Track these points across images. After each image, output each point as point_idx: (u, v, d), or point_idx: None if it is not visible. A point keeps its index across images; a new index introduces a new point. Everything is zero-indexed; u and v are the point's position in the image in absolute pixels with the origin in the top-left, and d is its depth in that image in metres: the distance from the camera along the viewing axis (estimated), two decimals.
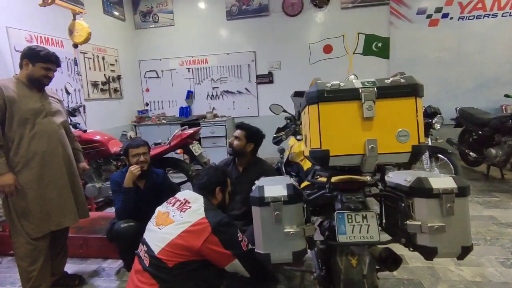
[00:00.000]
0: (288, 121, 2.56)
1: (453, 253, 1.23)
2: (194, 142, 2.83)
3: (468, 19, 4.95)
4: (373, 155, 1.08)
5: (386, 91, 1.09)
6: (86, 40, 3.45)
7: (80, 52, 4.37)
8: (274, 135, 2.44)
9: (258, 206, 1.29)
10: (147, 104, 6.09)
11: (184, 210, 1.55)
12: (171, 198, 1.69)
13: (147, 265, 1.48)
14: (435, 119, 3.42)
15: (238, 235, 1.56)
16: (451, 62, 5.04)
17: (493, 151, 3.71)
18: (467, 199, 1.22)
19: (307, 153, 1.29)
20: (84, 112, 4.27)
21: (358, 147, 1.10)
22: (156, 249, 1.47)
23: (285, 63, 5.51)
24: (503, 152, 3.63)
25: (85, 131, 2.94)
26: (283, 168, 2.61)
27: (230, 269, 1.54)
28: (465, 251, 1.22)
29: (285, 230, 1.26)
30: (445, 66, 5.05)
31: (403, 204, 1.27)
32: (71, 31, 3.43)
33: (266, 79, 5.60)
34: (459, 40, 5.00)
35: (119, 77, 5.28)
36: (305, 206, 1.34)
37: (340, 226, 1.31)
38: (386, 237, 1.38)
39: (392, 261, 1.47)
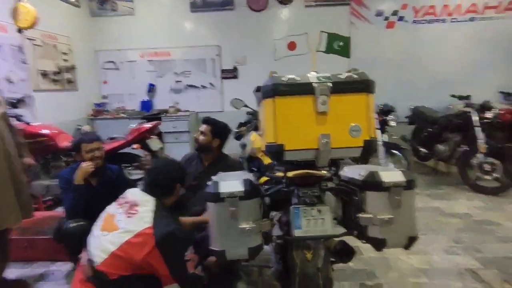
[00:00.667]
0: (250, 116, 2.55)
1: (400, 243, 1.29)
2: (152, 137, 2.72)
3: (421, 23, 5.26)
4: (326, 149, 1.10)
5: (340, 86, 1.11)
6: (33, 25, 3.17)
7: (27, 39, 4.00)
8: (236, 130, 2.41)
9: (213, 202, 1.26)
10: (105, 97, 5.77)
11: (130, 215, 1.41)
12: (121, 196, 1.55)
13: (90, 275, 1.35)
14: (390, 116, 3.60)
15: (186, 254, 1.45)
16: (406, 63, 5.34)
17: (440, 147, 3.99)
18: (413, 192, 1.29)
19: (263, 148, 1.28)
20: (33, 104, 3.93)
21: (312, 141, 1.11)
22: (99, 260, 1.34)
23: (250, 59, 5.48)
24: (449, 148, 3.92)
25: (28, 123, 2.68)
26: (245, 163, 2.61)
27: None
28: (411, 241, 1.29)
29: (241, 226, 1.24)
30: (400, 67, 5.33)
31: (356, 198, 1.32)
32: (15, 15, 3.12)
33: (231, 74, 5.54)
34: (413, 43, 5.31)
35: (73, 67, 4.93)
36: (261, 201, 1.33)
37: (296, 221, 1.32)
38: (342, 230, 1.42)
39: (346, 253, 1.52)
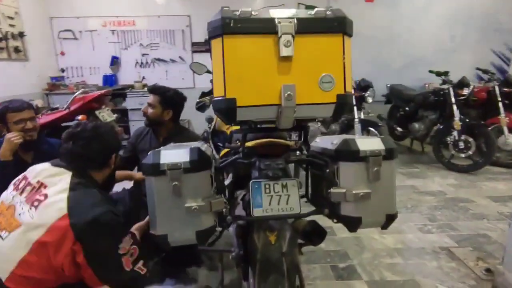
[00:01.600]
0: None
1: (377, 222, 1.11)
2: (102, 107, 2.38)
3: None
4: (290, 105, 0.86)
5: (309, 25, 0.87)
6: None
7: None
8: (198, 100, 2.13)
9: (152, 176, 1.00)
10: (62, 70, 5.23)
11: (35, 203, 1.01)
12: (19, 177, 1.14)
13: None
14: (368, 92, 3.43)
15: (120, 246, 1.04)
16: (384, 41, 5.18)
17: (416, 125, 3.91)
18: (393, 162, 1.09)
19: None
20: None
21: (272, 95, 0.88)
22: (3, 274, 0.96)
23: None
24: (424, 127, 3.85)
25: None
26: (210, 138, 2.34)
27: None
28: (390, 219, 1.11)
29: (186, 205, 1.00)
30: (378, 44, 5.16)
31: (328, 170, 1.11)
32: None
33: (203, 47, 5.16)
34: (391, 19, 5.14)
35: (21, 34, 4.37)
36: (215, 175, 1.10)
37: (256, 198, 1.10)
38: (311, 209, 1.21)
39: (317, 235, 1.32)
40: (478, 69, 4.02)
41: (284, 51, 0.84)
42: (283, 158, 1.16)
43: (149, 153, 1.05)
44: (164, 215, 1.01)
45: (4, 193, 1.14)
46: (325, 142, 1.21)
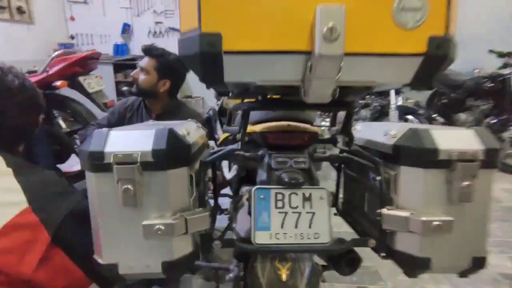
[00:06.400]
0: None
1: (456, 267, 0.70)
2: (90, 73, 2.00)
3: None
4: (332, 51, 0.43)
5: None
6: None
7: None
8: None
9: (92, 172, 0.62)
10: (72, 37, 4.92)
11: None
12: None
13: None
14: None
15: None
16: None
17: (463, 116, 3.35)
18: (494, 172, 0.66)
19: None
20: None
21: (295, 32, 0.45)
22: None
23: None
24: (473, 118, 3.28)
25: None
26: (217, 117, 1.95)
27: None
28: (477, 264, 0.69)
29: (145, 223, 0.61)
30: None
31: (378, 177, 0.69)
32: None
33: None
34: None
35: None
36: (195, 174, 0.70)
37: (261, 215, 0.70)
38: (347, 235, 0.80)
39: (349, 262, 0.92)
40: None
41: None
42: (307, 153, 0.74)
43: (90, 132, 0.66)
44: (111, 234, 0.63)
45: None
46: (372, 131, 0.79)
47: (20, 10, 3.93)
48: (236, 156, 0.73)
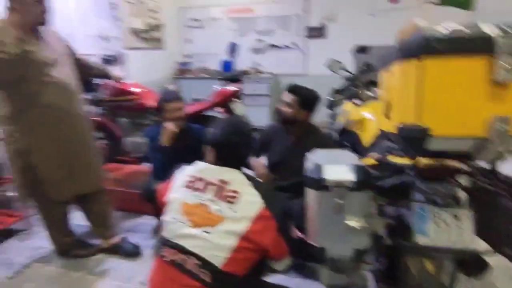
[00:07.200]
0: (347, 82, 2.16)
1: None
2: (236, 100, 2.57)
3: None
4: (502, 140, 0.73)
5: None
6: None
7: None
8: (329, 98, 2.08)
9: (315, 190, 1.02)
10: (188, 56, 5.85)
11: (230, 199, 1.17)
12: (190, 178, 1.26)
13: (209, 281, 1.09)
14: None
15: None
16: None
17: None
18: None
19: (388, 128, 0.96)
20: (125, 61, 4.12)
21: (476, 126, 0.76)
22: (218, 261, 1.10)
23: (342, 14, 4.83)
24: None
25: (119, 81, 2.68)
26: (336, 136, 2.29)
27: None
28: None
29: (348, 223, 0.99)
30: None
31: None
32: None
33: (318, 32, 5.01)
34: None
35: (160, 26, 5.02)
36: (374, 194, 1.05)
37: (420, 224, 1.01)
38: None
39: (476, 266, 1.17)
40: None
41: (502, 76, 0.71)
42: (455, 183, 1.03)
43: (310, 164, 1.07)
44: (324, 229, 1.03)
45: (178, 195, 1.25)
46: None
47: (156, 40, 4.92)
48: (411, 185, 1.06)
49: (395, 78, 0.88)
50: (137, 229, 2.38)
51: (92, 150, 1.96)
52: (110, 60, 2.91)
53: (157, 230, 2.28)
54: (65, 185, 1.83)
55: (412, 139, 0.82)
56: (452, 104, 0.76)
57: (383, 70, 1.01)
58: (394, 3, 4.49)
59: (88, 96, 2.38)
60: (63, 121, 1.75)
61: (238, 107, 2.53)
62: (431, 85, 0.75)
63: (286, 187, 1.86)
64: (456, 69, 0.74)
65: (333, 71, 2.19)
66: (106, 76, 2.28)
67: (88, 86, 2.56)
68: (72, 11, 3.40)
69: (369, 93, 2.12)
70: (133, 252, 2.06)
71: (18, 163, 1.74)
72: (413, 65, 0.79)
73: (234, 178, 1.22)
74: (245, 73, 5.25)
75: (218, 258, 1.10)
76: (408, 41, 0.80)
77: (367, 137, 1.72)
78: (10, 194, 2.47)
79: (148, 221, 2.46)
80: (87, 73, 2.06)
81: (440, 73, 0.75)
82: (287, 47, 5.23)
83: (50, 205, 1.88)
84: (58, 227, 2.00)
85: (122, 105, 2.79)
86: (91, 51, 3.51)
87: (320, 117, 2.96)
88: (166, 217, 1.23)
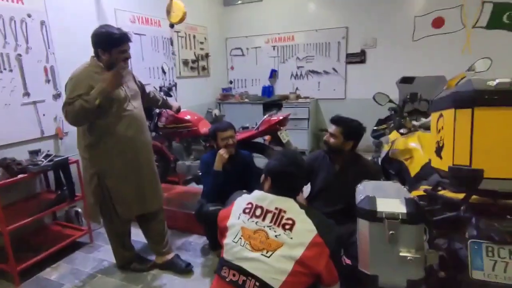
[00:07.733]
0: (392, 112, 2.21)
1: None
2: (282, 128, 2.71)
3: None
4: None
5: None
6: (182, 20, 3.54)
7: (174, 31, 4.56)
8: (375, 128, 2.14)
9: (367, 220, 1.10)
10: (231, 82, 6.19)
11: (287, 226, 1.28)
12: (247, 205, 1.39)
13: None
14: None
15: None
16: None
17: None
18: None
19: (440, 166, 1.03)
20: (175, 89, 4.49)
21: None
22: (276, 283, 1.19)
23: (382, 40, 4.88)
24: None
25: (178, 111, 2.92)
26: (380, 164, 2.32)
27: None
28: None
29: (401, 254, 1.05)
30: None
31: None
32: (168, 11, 3.55)
33: (358, 58, 5.09)
34: None
35: (207, 55, 5.41)
36: (426, 227, 1.10)
37: (476, 259, 1.04)
38: None
39: None
40: None
41: None
42: (509, 220, 1.05)
43: (363, 196, 1.15)
44: (377, 258, 1.09)
45: (237, 221, 1.37)
46: None
47: (203, 68, 5.31)
48: (457, 217, 1.10)
49: (447, 123, 0.95)
50: (187, 247, 2.54)
51: (156, 173, 2.18)
52: (168, 89, 3.23)
53: (209, 249, 2.42)
54: (135, 205, 2.06)
55: (466, 178, 0.88)
56: (503, 149, 0.82)
57: (434, 112, 1.09)
58: (437, 28, 4.47)
59: (148, 123, 2.65)
60: (134, 147, 2.00)
61: (283, 135, 2.66)
62: (482, 133, 0.82)
63: (330, 214, 1.93)
64: (505, 118, 0.81)
65: (380, 104, 2.25)
66: (168, 107, 2.57)
67: (148, 114, 2.87)
68: (139, 50, 3.88)
69: (414, 123, 2.15)
70: (185, 270, 2.20)
71: (94, 185, 2.00)
72: (466, 114, 0.86)
73: (290, 206, 1.33)
74: (285, 98, 5.43)
75: (276, 281, 1.19)
76: (460, 93, 0.88)
77: (415, 168, 1.75)
78: (79, 210, 2.79)
79: (197, 240, 2.62)
80: (154, 105, 2.33)
81: (491, 122, 0.82)
82: (326, 72, 5.35)
83: (117, 223, 2.10)
84: (121, 242, 2.21)
85: (178, 132, 3.07)
86: (150, 81, 3.95)
87: (364, 144, 3.00)
88: (227, 240, 1.35)
